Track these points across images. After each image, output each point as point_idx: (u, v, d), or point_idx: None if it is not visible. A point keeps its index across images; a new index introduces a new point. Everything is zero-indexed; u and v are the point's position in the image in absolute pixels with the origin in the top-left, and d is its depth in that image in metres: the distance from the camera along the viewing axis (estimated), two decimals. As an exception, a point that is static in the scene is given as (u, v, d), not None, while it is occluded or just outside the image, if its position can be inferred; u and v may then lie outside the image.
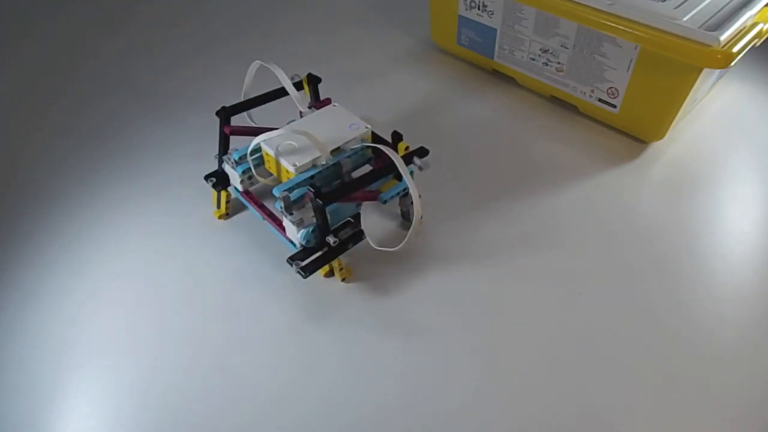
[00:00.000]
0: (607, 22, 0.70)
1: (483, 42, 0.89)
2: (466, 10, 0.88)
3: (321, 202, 0.55)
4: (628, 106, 0.77)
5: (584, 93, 0.81)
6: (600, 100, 0.80)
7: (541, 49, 0.82)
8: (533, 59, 0.84)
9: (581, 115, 0.85)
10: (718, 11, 0.69)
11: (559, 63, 0.81)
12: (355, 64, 0.96)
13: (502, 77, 0.93)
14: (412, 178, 0.60)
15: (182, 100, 0.91)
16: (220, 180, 0.68)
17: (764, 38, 0.70)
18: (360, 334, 0.59)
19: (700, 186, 0.74)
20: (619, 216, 0.70)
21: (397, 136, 0.65)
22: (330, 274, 0.64)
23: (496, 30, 0.86)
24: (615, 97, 0.78)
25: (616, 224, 0.70)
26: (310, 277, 0.61)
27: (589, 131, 0.83)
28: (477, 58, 0.93)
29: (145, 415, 0.53)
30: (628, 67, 0.74)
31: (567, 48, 0.79)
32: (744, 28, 0.67)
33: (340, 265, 0.63)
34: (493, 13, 0.84)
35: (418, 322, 0.60)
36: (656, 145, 0.80)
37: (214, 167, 0.71)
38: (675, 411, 0.53)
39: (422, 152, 0.63)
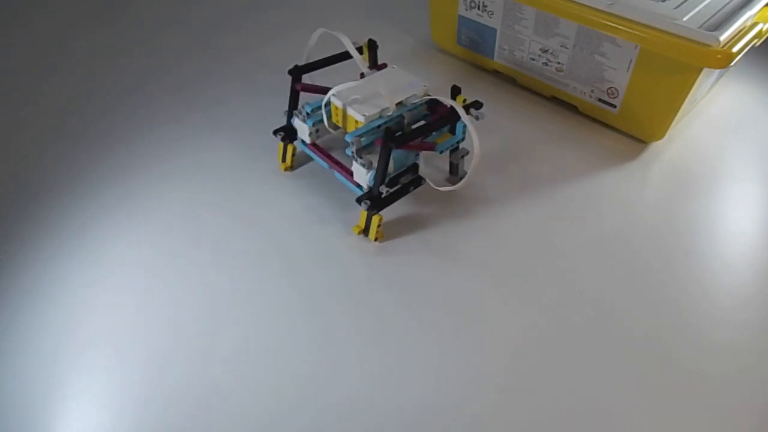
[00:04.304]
0: (607, 22, 0.70)
1: (483, 42, 0.89)
2: (466, 10, 0.88)
3: (394, 144, 0.59)
4: (627, 106, 0.77)
5: (584, 93, 0.81)
6: (600, 100, 0.80)
7: (541, 49, 0.82)
8: (533, 59, 0.84)
9: (581, 115, 0.85)
10: (718, 11, 0.69)
11: (559, 63, 0.81)
12: (355, 64, 0.96)
13: (502, 77, 0.93)
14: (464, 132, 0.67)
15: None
16: (287, 134, 0.75)
17: (764, 38, 0.70)
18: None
19: (700, 186, 0.74)
20: (619, 216, 0.71)
21: (456, 90, 0.68)
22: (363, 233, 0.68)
23: (495, 30, 0.86)
24: (615, 97, 0.78)
25: (616, 224, 0.70)
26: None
27: (589, 131, 0.83)
28: (477, 58, 0.93)
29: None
30: (628, 67, 0.74)
31: (567, 48, 0.79)
32: (744, 28, 0.67)
33: (379, 222, 0.66)
34: (493, 13, 0.84)
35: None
36: (656, 145, 0.80)
37: (280, 124, 0.77)
38: (675, 410, 0.53)
39: (478, 105, 0.67)
